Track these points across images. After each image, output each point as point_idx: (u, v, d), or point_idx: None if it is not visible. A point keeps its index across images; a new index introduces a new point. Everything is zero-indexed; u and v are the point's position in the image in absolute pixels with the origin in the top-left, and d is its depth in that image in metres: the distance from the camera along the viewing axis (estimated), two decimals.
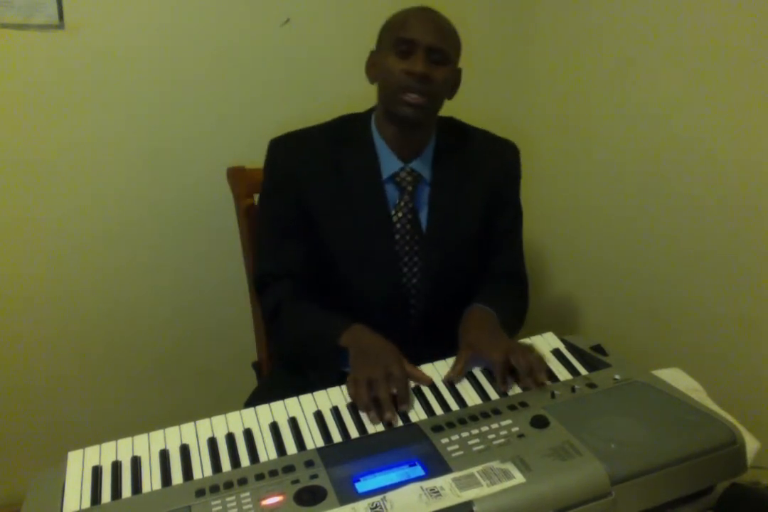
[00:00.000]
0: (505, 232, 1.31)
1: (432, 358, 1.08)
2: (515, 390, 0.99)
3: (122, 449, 0.90)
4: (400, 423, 0.93)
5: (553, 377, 1.02)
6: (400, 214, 1.22)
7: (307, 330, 1.17)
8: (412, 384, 1.01)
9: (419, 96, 1.12)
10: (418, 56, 1.10)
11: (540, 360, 1.02)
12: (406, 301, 1.25)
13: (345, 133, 1.24)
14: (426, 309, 1.26)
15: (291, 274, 1.22)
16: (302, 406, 0.98)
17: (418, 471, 0.79)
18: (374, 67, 1.20)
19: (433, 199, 1.23)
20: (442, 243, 1.23)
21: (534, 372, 0.98)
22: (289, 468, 0.83)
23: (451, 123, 1.30)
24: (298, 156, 1.21)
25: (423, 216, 1.24)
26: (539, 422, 0.87)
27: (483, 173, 1.26)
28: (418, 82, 1.11)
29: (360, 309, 1.20)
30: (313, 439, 0.91)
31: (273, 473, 0.82)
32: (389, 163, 1.21)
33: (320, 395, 1.00)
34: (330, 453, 0.86)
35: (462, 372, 1.03)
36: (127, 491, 0.84)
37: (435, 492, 0.75)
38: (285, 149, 1.23)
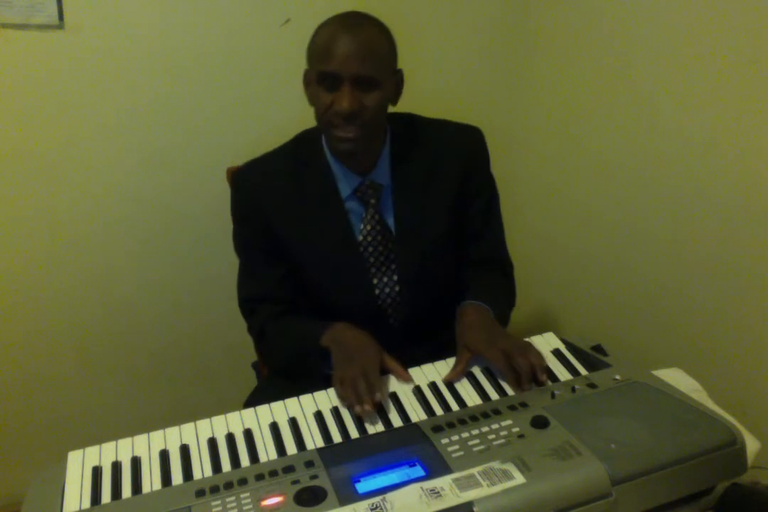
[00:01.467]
0: (483, 217, 1.29)
1: (427, 357, 1.09)
2: (533, 388, 0.99)
3: (122, 449, 0.90)
4: (400, 423, 0.93)
5: (553, 377, 1.02)
6: (369, 227, 1.21)
7: (291, 340, 1.20)
8: (413, 384, 1.02)
9: (350, 132, 1.09)
10: (344, 91, 1.05)
11: (539, 357, 1.02)
12: (387, 310, 1.26)
13: (302, 155, 1.23)
14: (409, 315, 1.26)
15: (273, 297, 1.24)
16: (302, 406, 0.98)
17: (419, 471, 0.79)
18: (308, 89, 1.15)
19: (397, 205, 1.22)
20: (414, 246, 1.23)
21: (536, 374, 0.99)
22: (289, 469, 0.83)
23: (407, 122, 1.26)
24: (260, 186, 1.22)
25: (391, 222, 1.23)
26: (539, 422, 0.87)
27: (446, 166, 1.24)
28: (345, 119, 1.07)
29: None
30: (313, 439, 0.91)
31: (273, 473, 0.82)
32: (347, 180, 1.20)
33: (320, 395, 1.00)
34: (330, 453, 0.86)
35: (462, 373, 1.04)
36: (127, 491, 0.84)
37: (435, 493, 0.75)
38: (246, 179, 1.24)
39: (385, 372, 1.05)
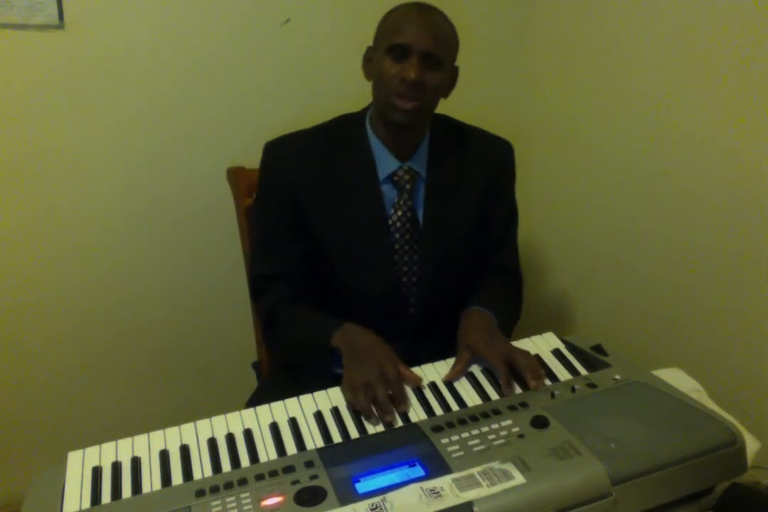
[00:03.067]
0: (500, 228, 1.32)
1: (430, 355, 1.09)
2: (515, 390, 0.99)
3: (122, 449, 0.90)
4: (400, 423, 0.93)
5: (553, 377, 1.02)
6: (399, 213, 1.22)
7: (301, 334, 1.18)
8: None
9: (411, 102, 1.12)
10: (412, 62, 1.09)
11: (538, 364, 1.02)
12: (405, 298, 1.25)
13: (340, 134, 1.24)
14: (425, 306, 1.26)
15: (286, 276, 1.22)
16: (302, 406, 0.98)
17: (418, 471, 0.79)
18: (370, 64, 1.19)
19: (429, 197, 1.24)
20: (439, 239, 1.24)
21: (536, 373, 0.99)
22: (289, 469, 0.83)
23: (446, 121, 1.30)
24: (293, 159, 1.21)
25: (420, 213, 1.24)
26: (539, 422, 0.87)
27: (478, 171, 1.27)
28: (410, 88, 1.10)
29: (359, 308, 1.20)
30: (313, 439, 0.91)
31: (273, 473, 0.82)
32: (386, 163, 1.22)
33: (320, 395, 1.00)
34: (330, 453, 0.86)
35: (461, 372, 1.04)
36: (127, 491, 0.84)
37: (435, 493, 0.75)
38: (280, 152, 1.23)
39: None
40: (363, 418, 0.94)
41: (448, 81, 1.20)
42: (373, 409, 0.94)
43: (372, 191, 1.21)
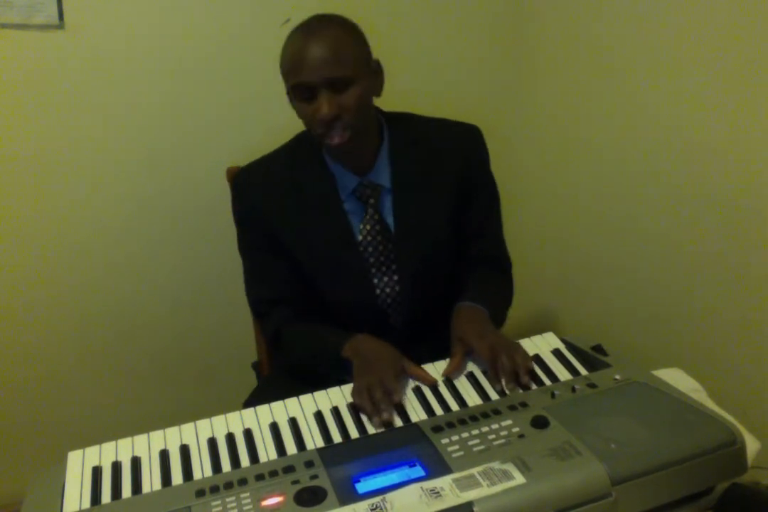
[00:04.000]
0: (483, 215, 1.29)
1: (423, 360, 1.08)
2: (515, 390, 0.99)
3: (122, 449, 0.90)
4: (400, 423, 0.93)
5: (553, 377, 1.02)
6: (368, 227, 1.22)
7: (311, 348, 1.19)
8: (414, 384, 1.02)
9: (337, 137, 1.10)
10: (321, 98, 1.06)
11: (525, 359, 1.01)
12: (388, 310, 1.26)
13: (301, 155, 1.23)
14: (409, 314, 1.26)
15: (284, 298, 1.24)
16: (302, 406, 0.98)
17: (419, 471, 0.79)
18: (293, 104, 1.16)
19: (397, 206, 1.22)
20: (414, 247, 1.23)
21: (518, 375, 0.98)
22: (289, 469, 0.83)
23: (404, 120, 1.26)
24: (259, 188, 1.22)
25: (391, 222, 1.23)
26: (539, 422, 0.87)
27: (446, 164, 1.24)
28: (329, 126, 1.08)
29: (346, 324, 1.20)
30: (313, 439, 0.91)
31: (273, 473, 0.82)
32: (345, 180, 1.21)
33: (320, 395, 1.00)
34: (330, 453, 0.86)
35: (459, 366, 1.04)
36: (127, 491, 0.84)
37: (435, 493, 0.75)
38: (246, 181, 1.25)
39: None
40: (362, 417, 0.95)
41: (372, 83, 1.15)
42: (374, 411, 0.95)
43: (335, 209, 1.21)
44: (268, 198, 1.21)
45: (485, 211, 1.29)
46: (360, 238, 1.22)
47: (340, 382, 1.04)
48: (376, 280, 1.23)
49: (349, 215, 1.21)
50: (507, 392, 0.98)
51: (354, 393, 0.99)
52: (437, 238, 1.24)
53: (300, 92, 1.08)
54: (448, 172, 1.24)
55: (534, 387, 0.99)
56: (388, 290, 1.24)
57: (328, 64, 1.05)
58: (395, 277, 1.24)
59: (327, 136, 1.10)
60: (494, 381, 0.99)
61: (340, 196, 1.21)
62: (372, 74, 1.15)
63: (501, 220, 1.34)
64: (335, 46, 1.06)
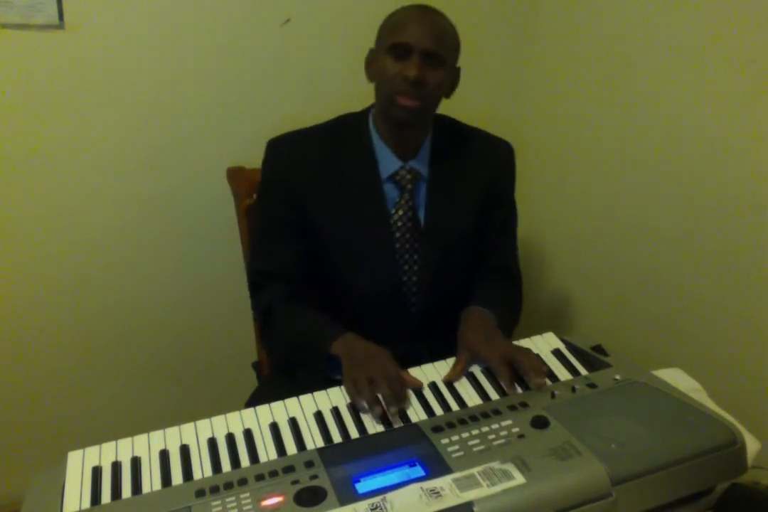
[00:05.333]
0: (500, 228, 1.33)
1: (431, 354, 1.09)
2: (518, 390, 0.99)
3: (122, 449, 0.90)
4: (400, 423, 0.93)
5: (553, 377, 1.02)
6: (400, 212, 1.23)
7: (299, 334, 1.18)
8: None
9: (412, 99, 1.13)
10: (413, 60, 1.10)
11: (539, 362, 1.03)
12: (406, 297, 1.26)
13: (343, 133, 1.24)
14: (425, 305, 1.26)
15: (285, 275, 1.22)
16: (302, 406, 0.98)
17: (419, 471, 0.79)
18: (372, 66, 1.20)
19: (430, 197, 1.25)
20: (440, 239, 1.24)
21: (537, 372, 0.99)
22: (289, 469, 0.83)
23: (446, 122, 1.31)
24: (295, 157, 1.22)
25: (421, 213, 1.25)
26: (539, 422, 0.87)
27: (478, 171, 1.28)
28: (411, 86, 1.11)
29: (360, 308, 1.20)
30: (313, 439, 0.91)
31: (273, 473, 0.82)
32: (388, 163, 1.22)
33: (320, 395, 1.00)
34: (330, 453, 0.86)
35: (461, 373, 1.04)
36: (127, 491, 0.84)
37: (435, 493, 0.75)
38: (282, 150, 1.24)
39: None
40: (367, 414, 0.94)
41: (450, 81, 1.20)
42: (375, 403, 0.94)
43: (374, 190, 1.22)
44: (303, 170, 1.21)
45: (503, 224, 1.33)
46: (391, 222, 1.22)
47: (326, 381, 1.04)
48: (404, 266, 1.24)
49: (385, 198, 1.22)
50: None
51: (349, 386, 0.98)
52: (463, 234, 1.26)
53: (396, 50, 1.12)
54: (478, 179, 1.27)
55: (549, 383, 0.99)
56: (405, 279, 1.25)
57: (434, 38, 1.12)
58: (415, 267, 1.24)
59: (403, 96, 1.12)
60: (511, 389, 0.98)
61: (381, 176, 1.22)
62: (454, 74, 1.22)
63: (516, 238, 1.37)
64: (444, 28, 1.16)
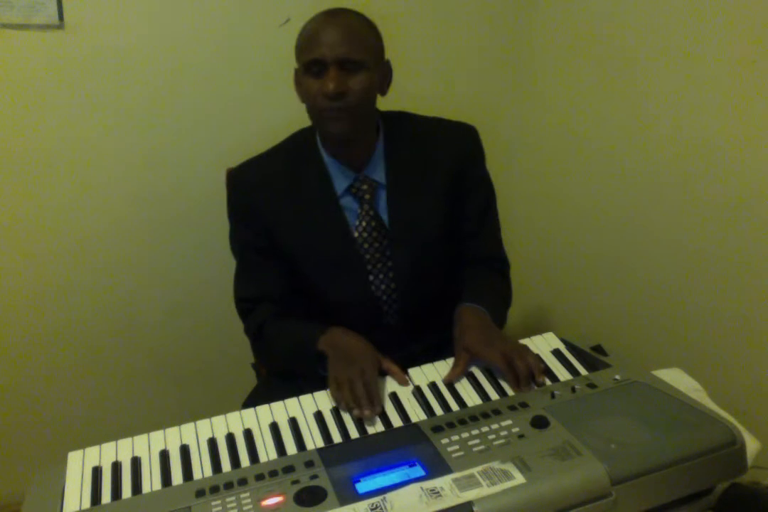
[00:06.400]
0: (479, 215, 1.29)
1: (419, 358, 1.09)
2: (530, 389, 0.99)
3: (122, 449, 0.90)
4: (400, 423, 0.93)
5: (553, 377, 1.02)
6: (364, 224, 1.22)
7: (289, 342, 1.20)
8: (396, 384, 1.03)
9: (339, 113, 1.10)
10: (329, 74, 1.07)
11: (536, 359, 1.03)
12: (387, 305, 1.26)
13: (297, 153, 1.24)
14: (408, 310, 1.26)
15: (269, 297, 1.24)
16: (302, 406, 0.98)
17: (418, 471, 0.79)
18: (299, 87, 1.17)
19: (391, 202, 1.23)
20: (409, 243, 1.23)
21: (534, 376, 0.99)
22: (289, 469, 0.83)
23: (400, 119, 1.27)
24: (255, 186, 1.22)
25: (386, 219, 1.23)
26: (539, 422, 0.87)
27: (440, 163, 1.24)
28: (333, 100, 1.08)
29: (344, 319, 1.20)
30: (313, 439, 0.91)
31: (273, 473, 0.82)
32: (341, 177, 1.21)
33: (320, 395, 1.00)
34: (330, 453, 0.86)
35: (461, 374, 1.04)
36: (127, 491, 0.84)
37: (435, 493, 0.75)
38: (242, 179, 1.25)
39: (383, 374, 1.05)
40: (349, 413, 0.95)
41: (379, 78, 1.16)
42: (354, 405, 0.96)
43: (332, 206, 1.21)
44: (264, 196, 1.21)
45: (482, 211, 1.29)
46: (356, 234, 1.22)
47: (321, 380, 1.05)
48: (371, 277, 1.23)
49: (345, 212, 1.22)
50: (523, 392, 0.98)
51: (331, 386, 1.00)
52: (432, 235, 1.24)
53: (311, 69, 1.09)
54: (442, 170, 1.24)
55: (549, 383, 0.99)
56: (383, 287, 1.24)
57: (345, 44, 1.08)
58: (390, 274, 1.24)
59: (328, 112, 1.10)
60: (516, 386, 0.99)
61: (337, 192, 1.21)
62: (382, 70, 1.17)
63: (498, 220, 1.34)
64: (354, 30, 1.10)
